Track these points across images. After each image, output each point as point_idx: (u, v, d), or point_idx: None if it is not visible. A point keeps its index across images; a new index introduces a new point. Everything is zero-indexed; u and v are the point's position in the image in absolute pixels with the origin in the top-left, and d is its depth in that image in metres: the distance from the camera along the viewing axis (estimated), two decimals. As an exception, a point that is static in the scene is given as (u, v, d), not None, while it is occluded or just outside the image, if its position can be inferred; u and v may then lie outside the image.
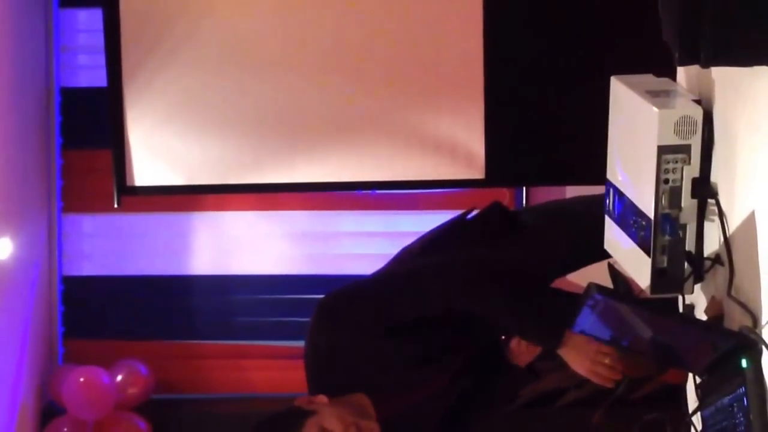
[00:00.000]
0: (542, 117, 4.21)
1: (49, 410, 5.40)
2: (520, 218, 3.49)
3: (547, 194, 4.86)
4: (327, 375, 3.11)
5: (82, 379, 5.17)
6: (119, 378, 5.33)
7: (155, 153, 4.27)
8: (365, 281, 3.22)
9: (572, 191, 4.17)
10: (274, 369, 5.47)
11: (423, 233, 3.44)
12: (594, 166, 2.90)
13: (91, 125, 5.36)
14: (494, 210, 3.46)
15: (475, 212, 3.48)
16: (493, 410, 3.41)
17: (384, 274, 3.24)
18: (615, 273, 3.12)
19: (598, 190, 2.86)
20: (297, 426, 2.95)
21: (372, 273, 3.29)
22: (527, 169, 4.32)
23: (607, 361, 3.03)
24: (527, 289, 3.06)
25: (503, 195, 5.29)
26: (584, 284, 2.38)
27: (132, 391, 5.37)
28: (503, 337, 3.23)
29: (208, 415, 5.49)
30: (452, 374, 3.20)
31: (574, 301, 2.45)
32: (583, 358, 3.03)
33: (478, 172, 4.24)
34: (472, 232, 3.37)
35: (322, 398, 3.03)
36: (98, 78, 5.03)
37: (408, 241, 3.40)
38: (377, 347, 3.06)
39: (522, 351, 3.13)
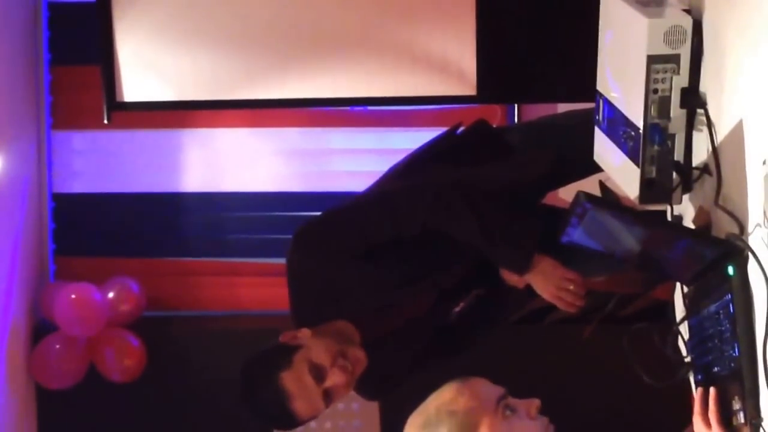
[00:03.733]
0: (534, 33, 4.17)
1: (41, 327, 5.40)
2: (506, 136, 3.48)
3: (539, 111, 4.85)
4: (309, 304, 3.13)
5: (73, 296, 5.17)
6: (111, 295, 5.33)
7: (145, 68, 4.24)
8: (340, 206, 3.22)
9: (564, 108, 4.16)
10: (265, 286, 5.47)
11: (413, 150, 3.43)
12: (586, 83, 2.89)
13: (79, 40, 5.29)
14: (479, 128, 3.45)
15: (461, 129, 3.47)
16: (494, 326, 3.43)
17: (359, 198, 3.24)
18: (606, 190, 3.13)
19: (590, 107, 2.85)
20: (286, 363, 2.96)
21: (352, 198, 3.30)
22: (519, 86, 4.29)
23: (571, 287, 3.05)
24: (499, 213, 3.06)
25: (495, 111, 5.27)
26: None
27: (124, 308, 5.37)
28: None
29: (200, 332, 5.50)
30: (438, 296, 3.21)
31: (561, 216, 2.46)
32: (549, 283, 3.06)
33: (469, 89, 4.21)
34: (454, 152, 3.36)
35: (306, 332, 3.04)
36: (86, -9, 5.00)
37: (399, 157, 3.40)
38: (355, 271, 3.07)
39: (513, 278, 3.15)
